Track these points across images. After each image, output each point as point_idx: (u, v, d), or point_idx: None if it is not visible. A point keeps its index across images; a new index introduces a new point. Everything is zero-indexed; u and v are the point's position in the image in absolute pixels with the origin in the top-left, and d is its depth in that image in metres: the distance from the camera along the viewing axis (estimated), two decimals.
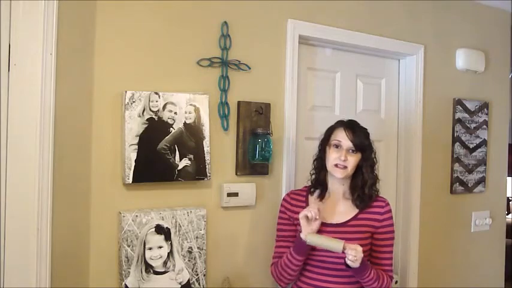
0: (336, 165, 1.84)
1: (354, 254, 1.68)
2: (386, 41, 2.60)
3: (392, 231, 1.89)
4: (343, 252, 1.69)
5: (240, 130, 2.13)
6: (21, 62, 1.64)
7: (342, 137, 1.86)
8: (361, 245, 1.81)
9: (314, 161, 1.98)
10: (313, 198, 1.95)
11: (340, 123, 1.92)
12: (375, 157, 1.93)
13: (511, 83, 3.31)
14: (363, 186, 1.88)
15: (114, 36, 1.84)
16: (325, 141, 1.92)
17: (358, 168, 1.89)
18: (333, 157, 1.85)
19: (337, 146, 1.86)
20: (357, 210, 1.88)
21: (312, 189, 1.96)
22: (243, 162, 2.13)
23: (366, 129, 1.93)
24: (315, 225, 1.78)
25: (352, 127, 1.88)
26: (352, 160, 1.85)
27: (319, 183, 1.94)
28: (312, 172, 1.99)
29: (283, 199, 2.03)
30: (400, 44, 2.66)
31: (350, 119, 1.96)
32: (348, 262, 1.70)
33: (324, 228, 1.85)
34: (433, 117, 2.81)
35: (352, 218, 1.87)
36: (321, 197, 1.93)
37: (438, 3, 2.83)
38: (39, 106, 1.65)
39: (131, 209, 1.86)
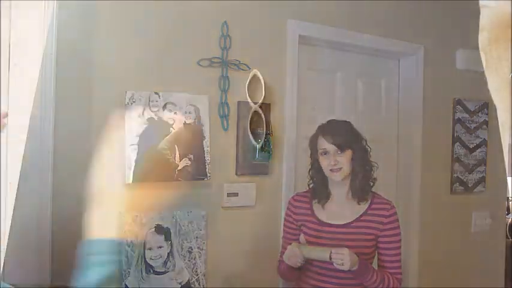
0: (332, 170, 1.84)
1: (341, 258, 1.65)
2: (387, 41, 2.60)
3: (398, 234, 1.87)
4: (330, 259, 1.66)
5: (240, 130, 2.13)
6: (21, 62, 1.64)
7: (324, 144, 1.84)
8: (365, 247, 1.81)
9: (309, 171, 1.97)
10: (316, 204, 1.94)
11: (318, 130, 1.90)
12: (366, 145, 1.90)
13: (511, 83, 3.31)
14: (356, 179, 1.87)
15: (114, 36, 1.84)
16: (315, 152, 1.92)
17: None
18: (325, 165, 1.85)
19: (325, 153, 1.86)
20: (361, 212, 1.87)
21: (314, 198, 1.95)
22: (243, 162, 2.13)
23: (347, 122, 1.90)
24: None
25: (329, 130, 1.86)
26: (344, 159, 1.83)
27: (319, 192, 1.93)
28: (309, 183, 1.98)
29: (289, 202, 2.01)
30: (400, 44, 2.66)
31: (328, 120, 1.93)
32: (336, 266, 1.67)
33: (326, 228, 1.85)
34: (433, 117, 2.80)
35: (355, 220, 1.85)
36: (322, 203, 1.92)
37: (438, 3, 2.82)
38: (39, 106, 1.65)
39: (131, 209, 1.86)
